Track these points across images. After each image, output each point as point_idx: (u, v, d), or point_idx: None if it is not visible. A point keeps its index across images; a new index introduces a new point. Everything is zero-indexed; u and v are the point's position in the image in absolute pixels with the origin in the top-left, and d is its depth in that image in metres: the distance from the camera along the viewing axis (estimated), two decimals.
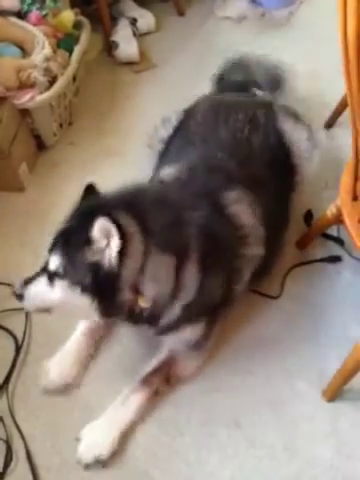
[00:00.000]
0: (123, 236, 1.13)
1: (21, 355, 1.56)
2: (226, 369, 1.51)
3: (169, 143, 1.82)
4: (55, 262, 1.22)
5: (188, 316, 1.34)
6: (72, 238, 1.20)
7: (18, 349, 1.56)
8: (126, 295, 1.20)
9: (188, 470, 1.35)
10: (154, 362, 1.46)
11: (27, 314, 1.64)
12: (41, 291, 1.26)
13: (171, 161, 1.63)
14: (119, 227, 1.12)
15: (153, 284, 1.22)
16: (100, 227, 1.13)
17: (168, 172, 1.53)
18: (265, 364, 1.53)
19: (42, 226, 1.92)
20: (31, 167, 2.13)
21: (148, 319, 1.30)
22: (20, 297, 1.30)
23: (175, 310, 1.30)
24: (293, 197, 1.79)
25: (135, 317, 1.28)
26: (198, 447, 1.38)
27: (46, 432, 1.40)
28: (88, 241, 1.16)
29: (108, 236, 1.14)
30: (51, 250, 1.24)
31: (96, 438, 1.35)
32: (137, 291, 1.21)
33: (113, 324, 1.58)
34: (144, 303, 1.23)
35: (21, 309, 1.63)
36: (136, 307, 1.24)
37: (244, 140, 1.63)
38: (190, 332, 1.41)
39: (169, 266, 1.24)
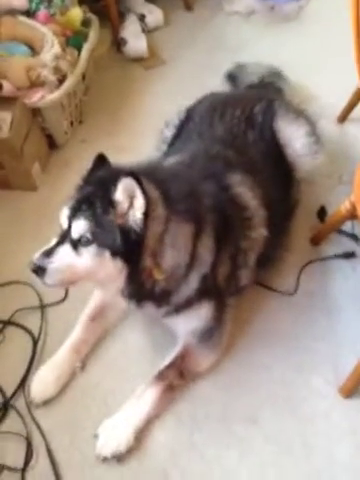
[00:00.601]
0: (147, 198, 1.15)
1: (38, 352, 1.57)
2: (243, 365, 1.52)
3: (172, 142, 1.85)
4: (81, 228, 1.19)
5: (198, 293, 1.35)
6: (95, 202, 1.19)
7: (35, 346, 1.57)
8: (147, 261, 1.21)
9: (206, 466, 1.36)
10: (169, 357, 1.47)
11: (43, 311, 1.66)
12: (67, 261, 1.21)
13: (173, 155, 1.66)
14: (142, 188, 1.15)
15: (172, 252, 1.24)
16: (124, 187, 1.16)
17: (170, 160, 1.56)
18: (281, 360, 1.53)
19: (55, 224, 1.92)
20: (43, 166, 2.14)
21: (160, 295, 1.31)
22: (41, 270, 1.21)
23: (189, 284, 1.32)
24: (296, 191, 1.80)
25: (145, 293, 1.29)
26: (216, 443, 1.39)
27: (65, 428, 1.42)
28: (112, 203, 1.18)
29: (132, 197, 1.16)
30: (73, 217, 1.21)
31: (113, 433, 1.37)
32: (155, 260, 1.22)
33: (108, 325, 1.60)
34: (159, 274, 1.24)
35: (37, 307, 1.67)
36: (148, 281, 1.25)
37: (240, 134, 1.67)
38: (199, 315, 1.42)
39: (188, 234, 1.27)
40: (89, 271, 1.22)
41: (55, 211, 1.95)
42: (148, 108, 2.40)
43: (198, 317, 1.43)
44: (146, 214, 1.16)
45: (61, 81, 2.08)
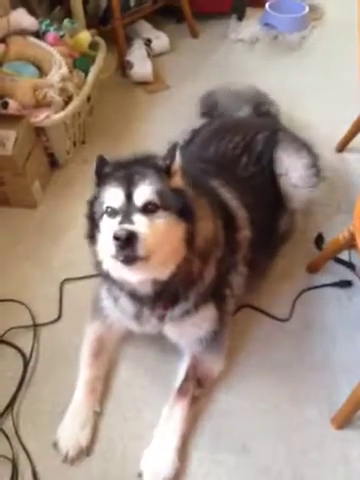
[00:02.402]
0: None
1: (29, 373, 1.55)
2: (235, 393, 1.50)
3: None
4: (147, 192, 1.18)
5: (207, 292, 1.36)
6: (148, 173, 1.22)
7: (26, 366, 1.55)
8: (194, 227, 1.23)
9: None
10: (181, 373, 1.47)
11: (35, 331, 1.64)
12: (149, 226, 1.15)
13: None
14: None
15: (203, 222, 1.27)
16: (179, 160, 1.24)
17: None
18: (274, 389, 1.51)
19: (52, 243, 1.94)
20: (44, 184, 2.15)
21: (186, 284, 1.31)
22: (134, 237, 1.11)
23: (209, 270, 1.33)
24: (287, 221, 1.79)
25: (176, 284, 1.28)
26: (206, 473, 1.36)
27: (52, 452, 1.38)
28: (168, 171, 1.23)
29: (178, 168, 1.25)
30: (131, 187, 1.19)
31: (157, 464, 1.33)
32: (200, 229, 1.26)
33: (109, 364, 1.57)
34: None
35: (30, 326, 1.65)
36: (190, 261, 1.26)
37: (233, 157, 1.70)
38: (204, 319, 1.41)
39: (209, 210, 1.32)
40: (164, 237, 1.18)
41: (53, 230, 1.99)
42: (150, 131, 2.43)
43: (204, 320, 1.42)
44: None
45: (67, 102, 2.11)
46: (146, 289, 1.29)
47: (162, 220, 1.18)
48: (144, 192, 1.19)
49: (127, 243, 1.10)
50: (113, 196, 1.22)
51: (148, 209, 1.18)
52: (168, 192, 1.21)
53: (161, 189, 1.20)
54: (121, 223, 1.15)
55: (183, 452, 1.37)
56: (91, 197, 1.32)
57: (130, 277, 1.24)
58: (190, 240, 1.23)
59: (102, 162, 1.33)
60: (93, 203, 1.30)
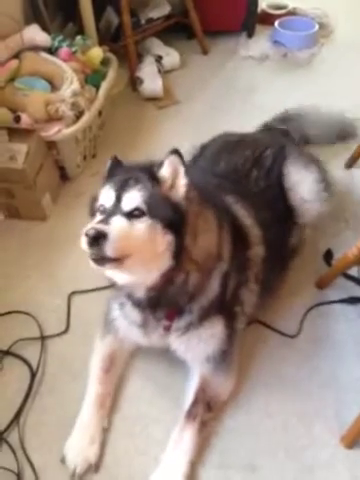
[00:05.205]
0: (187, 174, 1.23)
1: (35, 385, 1.54)
2: (242, 410, 1.48)
3: None
4: (134, 199, 1.19)
5: (213, 305, 1.36)
6: (141, 178, 1.22)
7: (33, 378, 1.55)
8: (188, 239, 1.22)
9: None
10: (190, 394, 1.44)
11: (43, 343, 1.64)
12: (123, 229, 1.16)
13: None
14: (184, 164, 1.23)
15: (204, 235, 1.27)
16: (170, 162, 1.22)
17: None
18: (282, 406, 1.49)
19: (61, 256, 1.95)
20: (54, 197, 2.17)
21: (185, 297, 1.31)
22: (102, 236, 1.11)
23: (211, 285, 1.33)
24: (296, 236, 1.79)
25: (170, 294, 1.28)
26: None
27: (58, 466, 1.37)
28: (157, 179, 1.23)
29: (175, 172, 1.23)
30: (122, 190, 1.21)
31: None
32: (194, 239, 1.24)
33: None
34: (197, 252, 1.26)
35: (37, 338, 1.65)
36: (184, 270, 1.25)
37: (244, 171, 1.71)
38: (212, 334, 1.40)
39: (215, 222, 1.32)
40: (142, 244, 1.18)
41: (62, 242, 2.00)
42: (160, 146, 2.42)
43: (211, 336, 1.41)
44: (186, 194, 1.22)
45: (78, 116, 2.14)
46: (140, 293, 1.30)
47: (144, 226, 1.18)
48: (133, 198, 1.20)
49: (95, 242, 1.11)
50: (106, 196, 1.25)
51: (133, 214, 1.19)
52: (159, 201, 1.20)
53: (151, 197, 1.20)
54: (98, 222, 1.17)
55: (190, 470, 1.35)
56: (96, 193, 1.33)
57: (114, 277, 1.28)
58: (178, 252, 1.22)
59: (115, 162, 1.36)
60: (96, 199, 1.32)
